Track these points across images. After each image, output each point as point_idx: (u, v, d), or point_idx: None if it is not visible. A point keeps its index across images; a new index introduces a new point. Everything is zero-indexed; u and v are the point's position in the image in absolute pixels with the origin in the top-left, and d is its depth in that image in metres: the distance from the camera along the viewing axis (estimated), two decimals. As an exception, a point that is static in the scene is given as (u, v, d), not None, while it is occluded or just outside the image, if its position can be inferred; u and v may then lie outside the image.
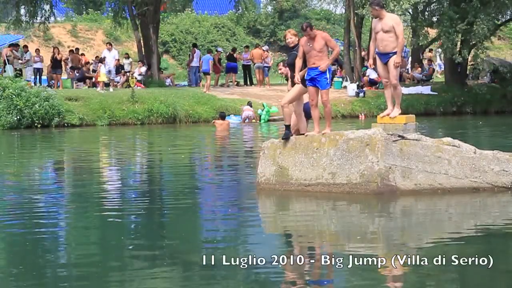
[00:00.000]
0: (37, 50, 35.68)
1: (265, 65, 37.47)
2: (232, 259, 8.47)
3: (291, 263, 8.71)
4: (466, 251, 9.11)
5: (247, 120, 30.38)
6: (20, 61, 34.22)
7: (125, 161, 19.30)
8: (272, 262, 8.52)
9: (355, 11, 35.77)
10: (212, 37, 52.70)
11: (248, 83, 38.12)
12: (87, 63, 37.08)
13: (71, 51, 38.22)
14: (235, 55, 37.93)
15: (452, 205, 11.78)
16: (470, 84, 37.76)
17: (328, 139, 12.75)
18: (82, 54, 39.30)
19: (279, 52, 49.40)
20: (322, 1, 48.47)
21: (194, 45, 38.93)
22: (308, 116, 13.39)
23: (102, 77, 31.95)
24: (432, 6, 36.40)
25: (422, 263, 8.63)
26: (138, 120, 29.53)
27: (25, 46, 36.09)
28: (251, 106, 30.84)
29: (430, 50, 44.04)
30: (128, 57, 37.51)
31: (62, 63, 35.81)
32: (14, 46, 35.48)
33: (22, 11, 37.90)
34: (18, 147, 23.65)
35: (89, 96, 30.32)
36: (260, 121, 30.46)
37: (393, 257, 8.87)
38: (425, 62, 41.12)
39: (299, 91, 12.67)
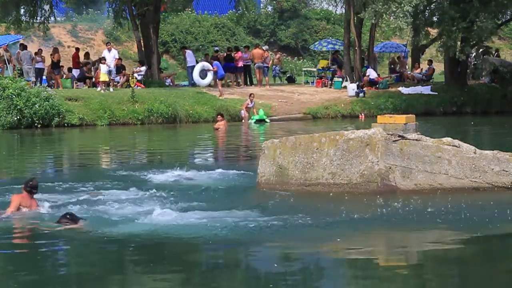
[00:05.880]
0: (40, 50, 35.59)
1: (265, 65, 37.48)
2: (231, 259, 8.48)
3: (290, 262, 8.72)
4: (466, 251, 9.12)
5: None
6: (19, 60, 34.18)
7: (126, 160, 19.33)
8: (271, 263, 8.53)
9: (355, 11, 35.77)
10: (212, 37, 52.68)
11: (248, 83, 38.13)
12: (87, 63, 37.04)
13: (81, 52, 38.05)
14: (232, 54, 37.90)
15: (452, 205, 11.77)
16: (470, 84, 37.77)
17: (328, 139, 12.75)
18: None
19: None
20: (322, 1, 48.50)
21: (183, 47, 39.38)
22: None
23: (103, 77, 31.92)
24: (432, 6, 36.41)
25: (422, 263, 8.64)
26: (138, 120, 29.51)
27: (22, 45, 35.93)
28: (250, 99, 31.25)
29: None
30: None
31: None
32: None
33: (22, 11, 37.86)
34: (17, 147, 23.68)
35: (89, 96, 30.29)
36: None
37: (393, 257, 8.88)
38: (425, 62, 41.18)
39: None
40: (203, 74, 34.12)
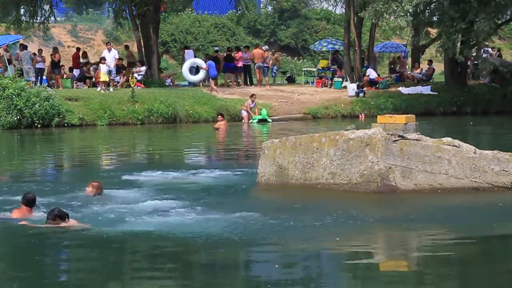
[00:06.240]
0: (40, 50, 35.59)
1: (265, 65, 37.47)
2: (231, 259, 8.47)
3: (290, 262, 8.72)
4: (466, 251, 9.12)
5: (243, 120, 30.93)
6: (16, 61, 34.18)
7: (125, 160, 19.34)
8: (271, 262, 8.53)
9: (355, 11, 35.75)
10: (212, 37, 52.67)
11: (248, 83, 38.12)
12: (88, 63, 37.02)
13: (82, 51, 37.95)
14: (233, 54, 37.90)
15: (452, 205, 11.78)
16: (470, 84, 37.75)
17: (328, 139, 12.75)
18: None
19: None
20: (322, 1, 48.44)
21: (185, 47, 39.43)
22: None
23: (103, 77, 31.90)
24: (432, 5, 36.41)
25: (422, 263, 8.64)
26: (138, 120, 29.49)
27: (21, 45, 35.89)
28: (251, 99, 31.22)
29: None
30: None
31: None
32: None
33: (22, 11, 37.83)
34: (18, 147, 23.68)
35: (89, 96, 30.28)
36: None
37: (393, 257, 8.88)
38: (425, 62, 41.13)
39: None
40: (197, 70, 34.43)
